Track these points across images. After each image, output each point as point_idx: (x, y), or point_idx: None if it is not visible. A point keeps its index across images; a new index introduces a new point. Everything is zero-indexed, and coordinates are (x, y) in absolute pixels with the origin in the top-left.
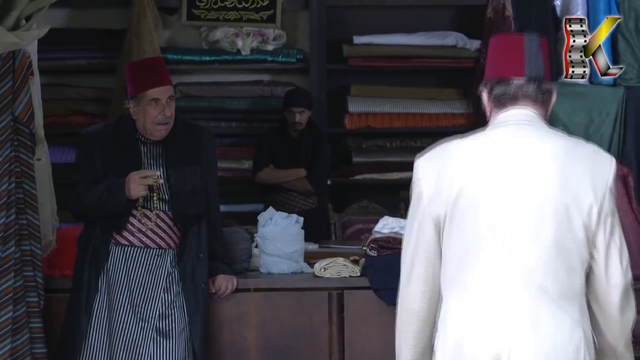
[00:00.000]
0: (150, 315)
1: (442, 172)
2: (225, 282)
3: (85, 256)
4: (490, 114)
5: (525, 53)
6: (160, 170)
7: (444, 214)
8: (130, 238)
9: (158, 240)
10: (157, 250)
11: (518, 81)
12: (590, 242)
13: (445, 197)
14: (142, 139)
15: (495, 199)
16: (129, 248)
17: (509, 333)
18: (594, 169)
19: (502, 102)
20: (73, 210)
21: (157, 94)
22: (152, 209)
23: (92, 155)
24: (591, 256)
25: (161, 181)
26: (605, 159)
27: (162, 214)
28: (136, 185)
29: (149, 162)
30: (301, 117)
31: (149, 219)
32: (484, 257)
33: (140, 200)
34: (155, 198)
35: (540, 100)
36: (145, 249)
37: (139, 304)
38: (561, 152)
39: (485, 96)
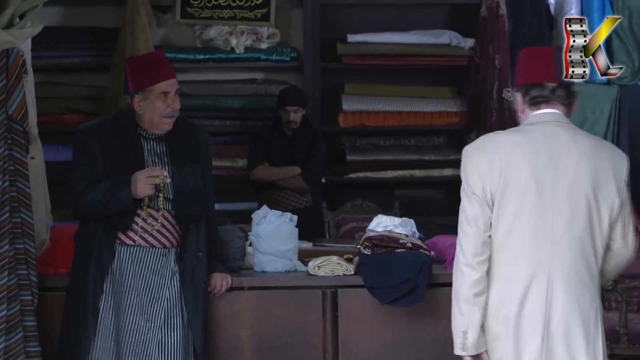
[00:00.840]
0: (157, 316)
1: (492, 161)
2: (219, 281)
3: (89, 256)
4: (524, 112)
5: (556, 62)
6: (165, 169)
7: (494, 196)
8: (135, 238)
9: (162, 239)
10: (162, 249)
11: (551, 85)
12: (611, 228)
13: (495, 183)
14: (144, 135)
15: (539, 187)
16: (134, 248)
17: (548, 300)
18: (614, 166)
19: (536, 102)
20: (74, 210)
21: (166, 87)
22: (158, 208)
23: (91, 151)
24: (611, 238)
25: (168, 180)
26: (622, 157)
27: (165, 213)
28: (143, 184)
29: (152, 159)
30: (295, 115)
31: (155, 219)
32: (528, 235)
33: (146, 200)
34: (161, 198)
35: (568, 103)
36: (150, 249)
37: (146, 304)
38: (589, 150)
39: (519, 98)
